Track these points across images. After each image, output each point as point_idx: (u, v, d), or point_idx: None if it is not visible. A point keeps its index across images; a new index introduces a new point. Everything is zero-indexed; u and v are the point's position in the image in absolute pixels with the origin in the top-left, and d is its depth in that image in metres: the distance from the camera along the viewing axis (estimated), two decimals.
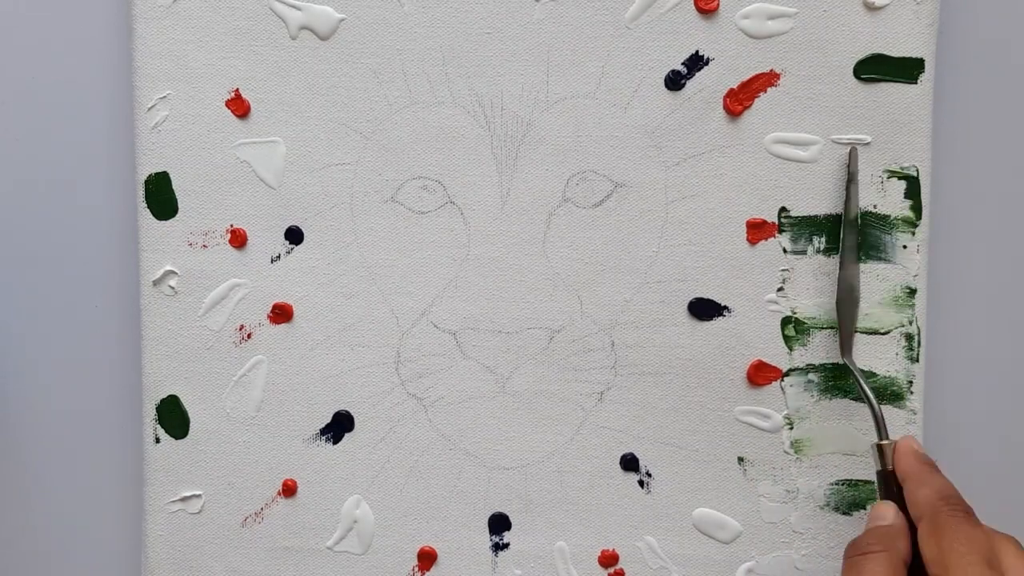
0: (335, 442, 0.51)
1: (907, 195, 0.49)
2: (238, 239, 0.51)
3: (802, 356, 0.50)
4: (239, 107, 0.50)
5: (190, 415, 0.51)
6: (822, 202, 0.50)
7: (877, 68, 0.49)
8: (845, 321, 0.49)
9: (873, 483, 0.50)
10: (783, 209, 0.50)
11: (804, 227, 0.50)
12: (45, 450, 0.55)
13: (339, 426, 0.51)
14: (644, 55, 0.49)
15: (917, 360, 0.50)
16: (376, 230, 0.51)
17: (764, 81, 0.49)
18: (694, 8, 0.49)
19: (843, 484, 0.50)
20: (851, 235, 0.49)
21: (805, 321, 0.50)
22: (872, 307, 0.50)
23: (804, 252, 0.50)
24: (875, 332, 0.50)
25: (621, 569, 0.51)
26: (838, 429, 0.50)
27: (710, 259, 0.50)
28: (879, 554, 0.40)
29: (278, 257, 0.51)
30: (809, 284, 0.50)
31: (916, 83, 0.49)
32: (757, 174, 0.50)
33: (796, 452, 0.50)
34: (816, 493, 0.50)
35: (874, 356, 0.50)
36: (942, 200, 0.52)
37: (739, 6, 0.49)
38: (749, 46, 0.49)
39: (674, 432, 0.51)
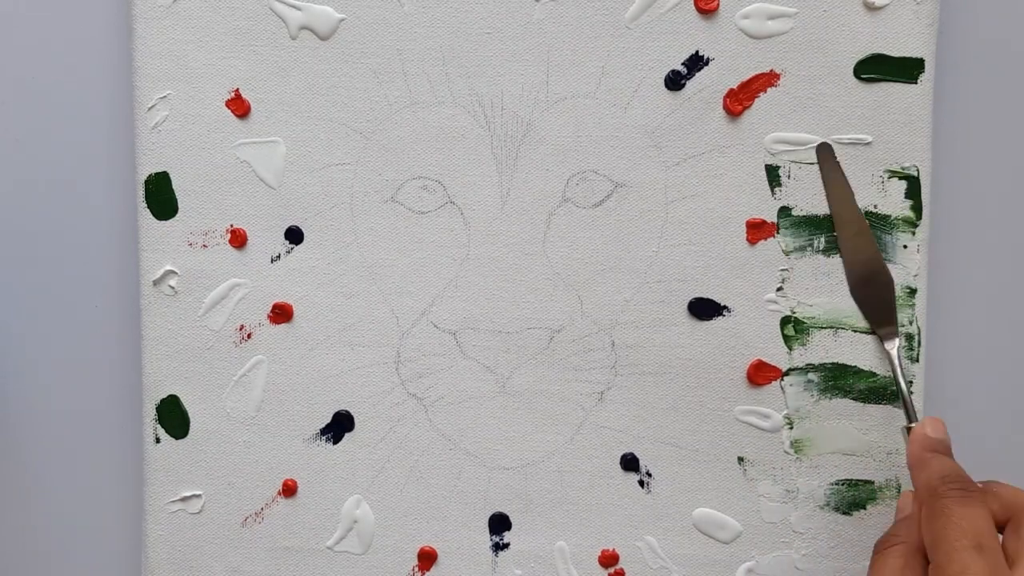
0: (335, 442, 0.51)
1: (907, 195, 0.49)
2: (238, 239, 0.51)
3: (802, 356, 0.50)
4: (239, 107, 0.50)
5: (190, 415, 0.51)
6: (822, 202, 0.50)
7: (877, 68, 0.49)
8: (876, 305, 0.49)
9: (873, 483, 0.50)
10: (783, 209, 0.50)
11: (804, 227, 0.50)
12: (45, 450, 0.55)
13: (339, 426, 0.51)
14: (644, 55, 0.49)
15: (917, 360, 0.50)
16: (376, 230, 0.51)
17: (764, 81, 0.49)
18: (694, 8, 0.49)
19: (843, 484, 0.50)
20: (847, 223, 0.49)
21: (805, 321, 0.50)
22: None
23: (804, 252, 0.50)
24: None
25: (621, 569, 0.51)
26: (838, 429, 0.50)
27: (710, 259, 0.50)
28: (896, 547, 0.41)
29: (278, 257, 0.51)
30: (809, 284, 0.50)
31: (916, 83, 0.49)
32: (757, 174, 0.50)
33: (796, 452, 0.50)
34: (816, 493, 0.50)
35: (874, 356, 0.50)
36: (942, 200, 0.52)
37: (739, 6, 0.49)
38: (749, 46, 0.49)
39: (674, 432, 0.51)
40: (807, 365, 0.50)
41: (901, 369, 0.48)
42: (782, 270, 0.50)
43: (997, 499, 0.40)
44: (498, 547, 0.51)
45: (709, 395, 0.50)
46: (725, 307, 0.50)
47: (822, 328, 0.50)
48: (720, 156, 0.50)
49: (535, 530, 0.51)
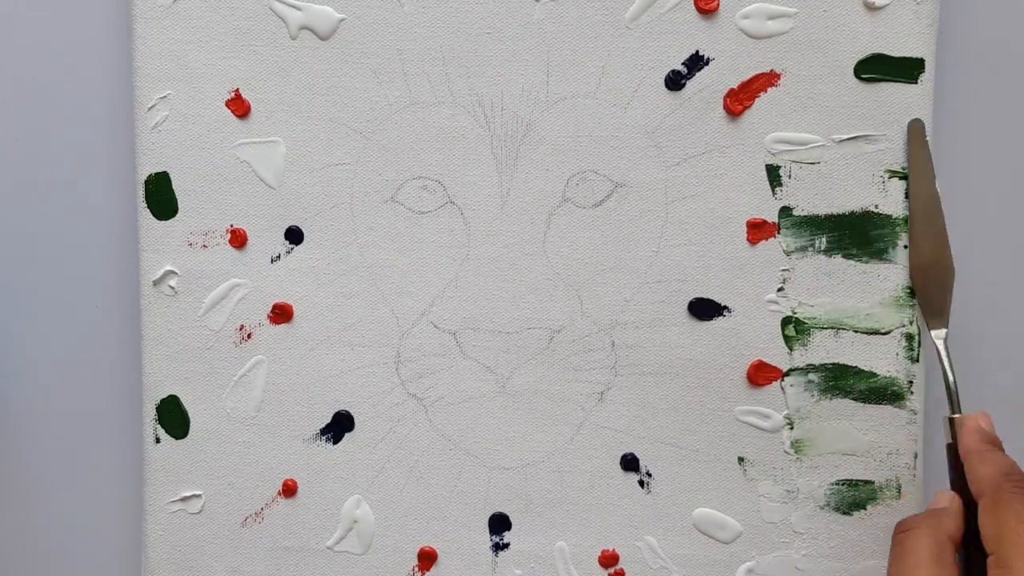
0: (335, 442, 0.51)
1: (907, 195, 0.49)
2: (238, 239, 0.51)
3: (802, 356, 0.50)
4: (239, 107, 0.50)
5: (190, 415, 0.51)
6: (822, 202, 0.50)
7: (877, 68, 0.49)
8: (932, 292, 0.48)
9: (873, 483, 0.50)
10: (784, 209, 0.50)
11: (804, 227, 0.50)
12: (45, 450, 0.55)
13: (339, 426, 0.51)
14: (644, 55, 0.49)
15: (917, 360, 0.50)
16: (376, 230, 0.51)
17: (764, 81, 0.49)
18: (694, 8, 0.49)
19: (843, 484, 0.50)
20: (925, 201, 0.49)
21: (805, 321, 0.50)
22: (873, 307, 0.50)
23: (805, 252, 0.50)
24: (875, 332, 0.50)
25: (621, 569, 0.51)
26: (838, 429, 0.50)
27: (710, 259, 0.50)
28: (921, 530, 0.41)
29: (278, 257, 0.51)
30: (810, 284, 0.50)
31: (916, 83, 0.49)
32: (757, 174, 0.50)
33: (796, 452, 0.50)
34: (816, 493, 0.50)
35: (874, 356, 0.50)
36: (942, 200, 0.52)
37: (739, 6, 0.49)
38: (749, 46, 0.49)
39: (674, 432, 0.51)
40: (808, 365, 0.50)
41: (948, 360, 0.48)
42: (783, 270, 0.50)
43: None
44: (498, 547, 0.51)
45: (709, 395, 0.50)
46: (725, 307, 0.50)
47: (823, 328, 0.50)
48: (720, 156, 0.50)
49: (535, 530, 0.51)
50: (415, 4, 0.50)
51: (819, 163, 0.49)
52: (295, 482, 0.51)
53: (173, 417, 0.51)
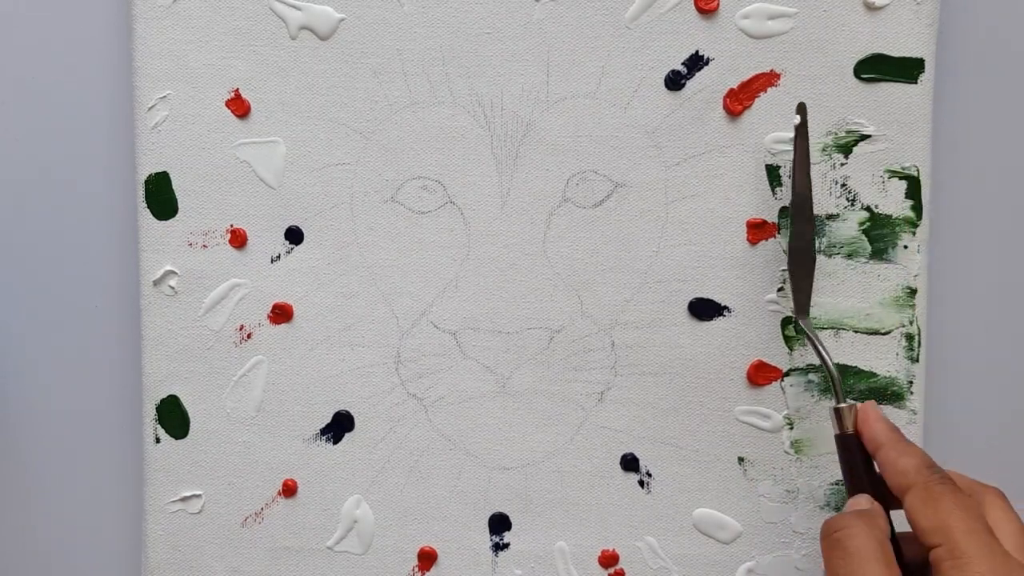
0: (335, 442, 0.51)
1: (907, 195, 0.49)
2: (238, 239, 0.51)
3: (802, 356, 0.50)
4: (239, 107, 0.50)
5: (190, 415, 0.51)
6: (822, 202, 0.50)
7: (877, 68, 0.49)
8: (798, 280, 0.48)
9: None
10: (784, 209, 0.50)
11: None
12: (45, 450, 0.55)
13: (339, 426, 0.51)
14: (644, 55, 0.49)
15: (917, 360, 0.50)
16: (376, 230, 0.51)
17: (764, 81, 0.49)
18: (694, 8, 0.49)
19: (843, 484, 0.50)
20: (799, 194, 0.48)
21: None
22: (873, 307, 0.50)
23: None
24: (875, 332, 0.50)
25: (621, 569, 0.51)
26: None
27: (710, 259, 0.50)
28: (859, 528, 0.40)
29: (278, 257, 0.51)
30: None
31: (916, 83, 0.49)
32: (757, 174, 0.50)
33: (796, 452, 0.50)
34: (816, 493, 0.50)
35: (874, 356, 0.50)
36: (942, 200, 0.52)
37: (739, 6, 0.49)
38: (749, 46, 0.49)
39: (674, 432, 0.51)
40: (808, 365, 0.50)
41: (822, 345, 0.46)
42: (783, 270, 0.50)
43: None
44: (498, 547, 0.51)
45: (709, 395, 0.50)
46: (725, 307, 0.50)
47: (823, 329, 0.50)
48: (720, 156, 0.50)
49: (535, 530, 0.51)
50: (415, 4, 0.50)
51: (819, 163, 0.49)
52: (295, 482, 0.51)
53: (173, 417, 0.51)
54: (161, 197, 0.51)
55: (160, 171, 0.51)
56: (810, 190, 0.48)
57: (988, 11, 0.51)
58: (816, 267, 0.49)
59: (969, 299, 0.52)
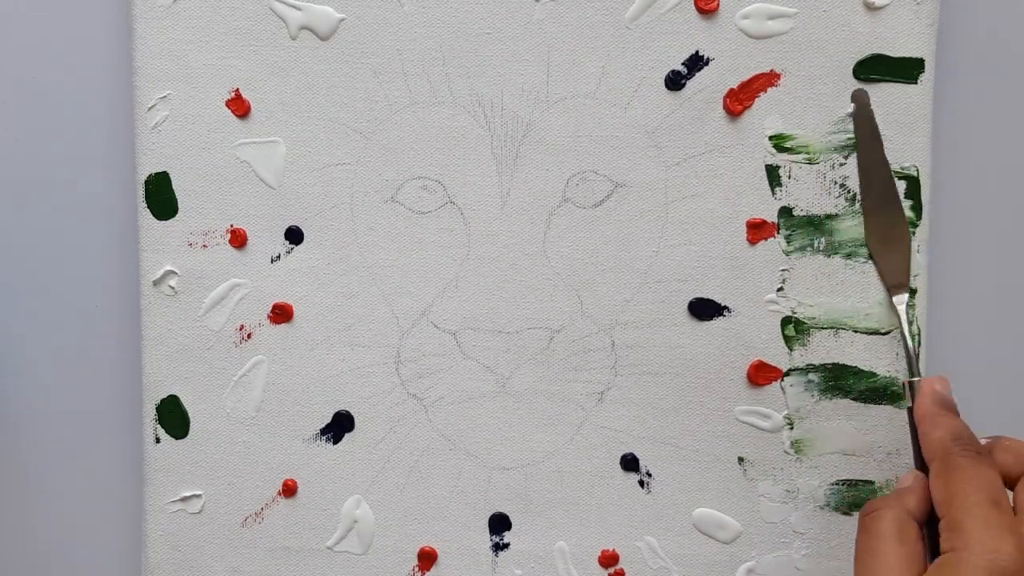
0: (335, 442, 0.51)
1: (907, 195, 0.49)
2: (238, 239, 0.51)
3: (802, 356, 0.50)
4: (239, 107, 0.50)
5: (190, 415, 0.51)
6: (822, 202, 0.50)
7: (877, 68, 0.49)
8: (890, 257, 0.49)
9: (873, 483, 0.50)
10: (784, 209, 0.50)
11: (804, 227, 0.50)
12: (45, 450, 0.55)
13: (339, 426, 0.51)
14: (644, 55, 0.49)
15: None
16: (376, 230, 0.51)
17: (764, 81, 0.49)
18: (694, 8, 0.49)
19: (843, 484, 0.50)
20: (874, 172, 0.49)
21: (805, 321, 0.50)
22: (873, 307, 0.50)
23: (804, 252, 0.50)
24: (875, 332, 0.50)
25: (621, 569, 0.51)
26: (838, 429, 0.50)
27: (710, 259, 0.50)
28: (884, 510, 0.41)
29: (278, 257, 0.51)
30: (809, 284, 0.50)
31: (916, 83, 0.49)
32: (757, 174, 0.50)
33: (796, 452, 0.50)
34: (816, 493, 0.50)
35: (874, 356, 0.50)
36: (942, 200, 0.52)
37: (739, 6, 0.49)
38: (749, 46, 0.49)
39: (674, 432, 0.51)
40: (808, 365, 0.50)
41: (908, 324, 0.48)
42: (782, 270, 0.50)
43: (1009, 452, 0.41)
44: (498, 547, 0.51)
45: (709, 395, 0.50)
46: (725, 307, 0.50)
47: (823, 328, 0.50)
48: (720, 156, 0.50)
49: (535, 530, 0.51)
50: (415, 4, 0.50)
51: (819, 163, 0.49)
52: (295, 482, 0.51)
53: (173, 417, 0.51)
54: (161, 197, 0.51)
55: (160, 171, 0.51)
56: (890, 171, 0.49)
57: (988, 11, 0.51)
58: (816, 267, 0.50)
59: (969, 299, 0.52)
